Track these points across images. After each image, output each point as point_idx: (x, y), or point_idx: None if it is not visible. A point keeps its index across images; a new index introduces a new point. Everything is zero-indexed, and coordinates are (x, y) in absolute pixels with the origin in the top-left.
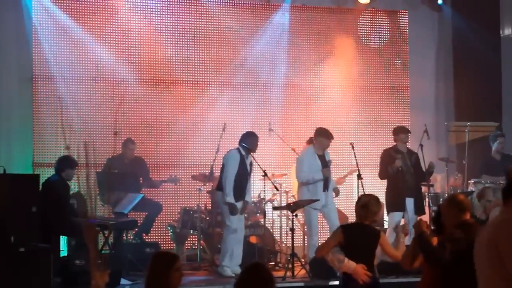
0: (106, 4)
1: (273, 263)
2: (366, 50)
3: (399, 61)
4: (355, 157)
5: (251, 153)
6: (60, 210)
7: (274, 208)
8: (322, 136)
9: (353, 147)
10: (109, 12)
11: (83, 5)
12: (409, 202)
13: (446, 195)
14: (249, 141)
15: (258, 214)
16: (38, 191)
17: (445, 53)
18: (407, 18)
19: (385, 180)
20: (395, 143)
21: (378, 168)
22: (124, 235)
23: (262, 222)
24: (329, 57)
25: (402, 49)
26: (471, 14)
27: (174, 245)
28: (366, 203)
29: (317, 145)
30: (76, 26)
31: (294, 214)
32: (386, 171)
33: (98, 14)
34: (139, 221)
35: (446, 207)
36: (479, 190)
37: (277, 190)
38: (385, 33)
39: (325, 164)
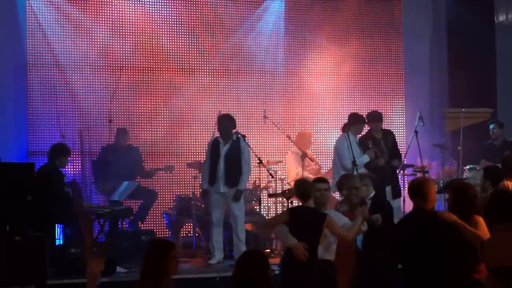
0: None
1: (268, 250)
2: (360, 37)
3: (393, 46)
4: (350, 144)
5: (242, 137)
6: (55, 198)
7: (270, 196)
8: (357, 122)
9: (348, 134)
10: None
11: None
12: (387, 190)
13: (441, 182)
14: (218, 126)
15: (253, 202)
16: (33, 179)
17: (439, 40)
18: (401, 5)
19: None
20: (369, 129)
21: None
22: (119, 223)
23: (257, 209)
24: (324, 44)
25: (397, 35)
26: (465, 1)
27: (170, 232)
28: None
29: (353, 131)
30: (70, 14)
31: (289, 201)
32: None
33: (92, 2)
34: (134, 209)
35: None
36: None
37: (272, 177)
38: (380, 18)
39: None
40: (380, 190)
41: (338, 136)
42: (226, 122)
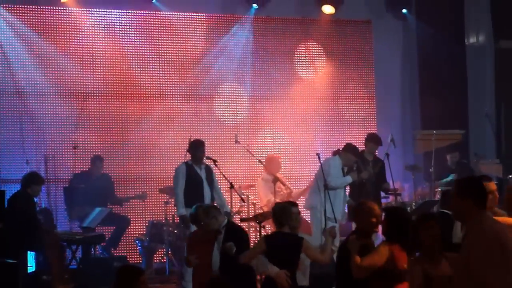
0: (70, 19)
1: None
2: (331, 60)
3: (365, 70)
4: (322, 167)
5: (212, 162)
6: (27, 225)
7: (242, 220)
8: (351, 152)
9: (319, 158)
10: (73, 27)
11: (46, 20)
12: None
13: (414, 204)
14: (191, 152)
15: None
16: (3, 207)
17: (411, 62)
18: (372, 28)
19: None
20: (363, 150)
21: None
22: (92, 249)
23: None
24: (294, 69)
25: (368, 58)
26: (436, 23)
27: (143, 258)
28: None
29: (343, 159)
30: (39, 41)
31: (261, 226)
32: None
33: (62, 29)
34: (107, 236)
35: None
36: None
37: (244, 201)
38: (350, 43)
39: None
40: None
41: (308, 160)
42: (203, 148)
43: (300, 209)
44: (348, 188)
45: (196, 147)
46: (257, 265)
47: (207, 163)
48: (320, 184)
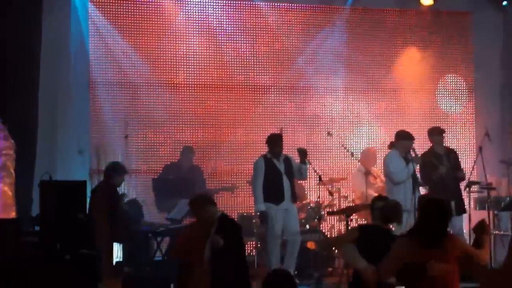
0: (163, 9)
1: (330, 269)
2: (428, 53)
3: (464, 63)
4: (412, 162)
5: (304, 153)
6: (110, 216)
7: (329, 213)
8: (404, 139)
9: (414, 152)
10: (166, 18)
11: (137, 11)
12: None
13: (508, 198)
14: (269, 147)
15: (315, 220)
16: (85, 198)
17: (511, 54)
18: (472, 20)
19: None
20: (431, 145)
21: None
22: None
23: (319, 228)
24: (391, 60)
25: (467, 50)
26: None
27: None
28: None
29: (400, 148)
30: (130, 32)
31: (349, 219)
32: (427, 177)
33: (154, 19)
34: None
35: None
36: None
37: (331, 195)
38: (449, 35)
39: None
40: None
41: None
42: (281, 143)
43: None
44: (428, 188)
45: (274, 143)
46: (345, 253)
47: (293, 154)
48: (388, 182)
